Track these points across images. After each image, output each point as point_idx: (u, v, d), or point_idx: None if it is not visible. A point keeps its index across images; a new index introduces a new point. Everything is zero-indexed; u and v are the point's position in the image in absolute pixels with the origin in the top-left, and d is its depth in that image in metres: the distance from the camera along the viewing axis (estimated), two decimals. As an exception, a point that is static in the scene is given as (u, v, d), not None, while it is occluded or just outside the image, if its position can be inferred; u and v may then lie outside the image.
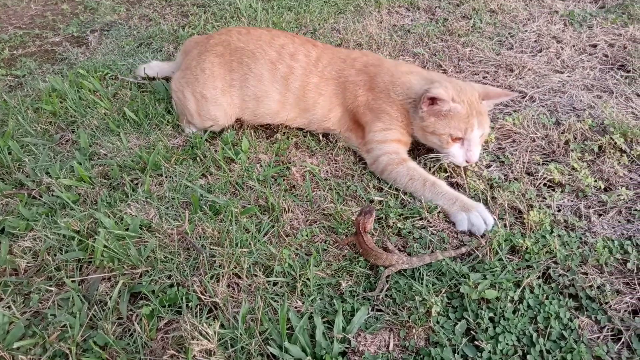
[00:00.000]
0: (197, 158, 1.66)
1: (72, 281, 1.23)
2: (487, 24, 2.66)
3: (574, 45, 2.42)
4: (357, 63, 1.72)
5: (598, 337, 1.06)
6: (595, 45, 2.41)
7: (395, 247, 1.28)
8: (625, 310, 1.11)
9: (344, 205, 1.44)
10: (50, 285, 1.23)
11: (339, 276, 1.21)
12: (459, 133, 1.48)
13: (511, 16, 2.76)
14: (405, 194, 1.48)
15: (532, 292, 1.14)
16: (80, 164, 1.62)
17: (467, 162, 1.52)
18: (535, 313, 1.09)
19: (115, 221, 1.37)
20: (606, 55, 2.32)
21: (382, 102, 1.63)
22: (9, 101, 2.07)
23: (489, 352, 1.02)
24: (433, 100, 1.49)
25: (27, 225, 1.40)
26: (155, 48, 2.59)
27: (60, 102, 2.02)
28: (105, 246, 1.28)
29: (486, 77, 2.18)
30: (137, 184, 1.56)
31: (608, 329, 1.08)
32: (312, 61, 1.72)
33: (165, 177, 1.57)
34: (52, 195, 1.51)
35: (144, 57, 2.43)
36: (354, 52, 1.85)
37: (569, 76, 2.16)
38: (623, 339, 1.05)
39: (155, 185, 1.56)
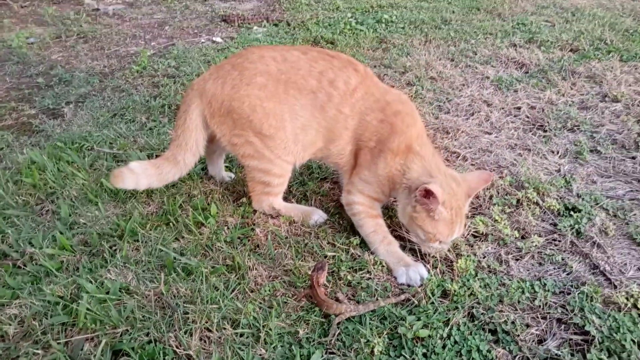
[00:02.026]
0: (170, 223, 1.85)
1: (58, 343, 1.36)
2: (427, 90, 3.03)
3: (502, 108, 2.80)
4: (389, 109, 1.67)
5: (511, 365, 1.29)
6: (519, 108, 2.80)
7: (345, 296, 1.49)
8: (532, 340, 1.35)
9: (302, 261, 1.65)
10: (37, 349, 1.36)
11: (297, 325, 1.40)
12: (442, 238, 1.56)
13: (449, 82, 3.15)
14: (354, 249, 1.71)
15: (458, 329, 1.36)
16: (62, 234, 1.78)
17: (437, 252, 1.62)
18: (460, 347, 1.31)
19: (97, 286, 1.53)
20: (528, 117, 2.70)
21: (383, 161, 1.65)
22: (-11, 175, 2.22)
23: (422, 382, 1.22)
24: (428, 193, 1.49)
25: (13, 293, 1.53)
26: (129, 119, 2.81)
27: (40, 174, 2.19)
28: (88, 309, 1.43)
29: (425, 139, 2.50)
30: (115, 250, 1.73)
31: (518, 357, 1.30)
32: (349, 90, 1.67)
33: (141, 242, 1.75)
34: (36, 264, 1.65)
35: (119, 128, 2.64)
36: (391, 93, 1.76)
37: (496, 137, 2.50)
38: (530, 365, 1.28)
39: (132, 251, 1.73)
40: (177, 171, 1.82)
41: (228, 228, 1.82)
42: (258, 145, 1.71)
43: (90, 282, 1.54)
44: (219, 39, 4.25)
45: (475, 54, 3.58)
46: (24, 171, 2.21)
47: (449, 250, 1.66)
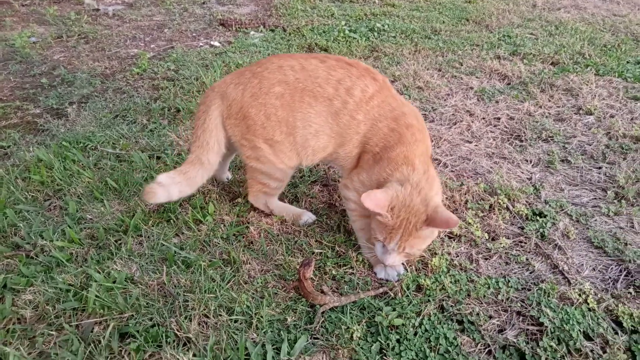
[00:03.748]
0: (171, 220, 2.01)
1: (70, 326, 1.52)
2: (414, 99, 3.20)
3: (483, 118, 2.98)
4: (402, 120, 1.68)
5: (473, 350, 1.46)
6: (499, 118, 2.98)
7: (330, 289, 1.66)
8: (494, 330, 1.52)
9: (291, 256, 1.81)
10: (52, 331, 1.51)
11: (285, 313, 1.57)
12: (380, 237, 1.58)
13: (435, 92, 3.33)
14: (339, 246, 1.87)
15: (429, 319, 1.54)
16: (71, 228, 1.93)
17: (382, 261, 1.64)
18: (430, 334, 1.48)
19: (104, 275, 1.68)
20: (506, 127, 2.88)
21: (379, 167, 1.67)
22: (-1, 171, 2.36)
23: (394, 364, 1.40)
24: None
25: (28, 281, 1.68)
26: (130, 120, 2.95)
27: (47, 172, 2.33)
28: (97, 296, 1.58)
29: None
30: (120, 243, 1.88)
31: (480, 344, 1.48)
32: (365, 98, 1.69)
33: (144, 237, 1.90)
34: (47, 255, 1.80)
35: (120, 129, 2.79)
36: (408, 106, 1.78)
37: (475, 145, 2.68)
38: (490, 351, 1.46)
39: (136, 245, 1.88)
40: (204, 172, 1.87)
41: (224, 225, 1.98)
42: (266, 151, 1.80)
43: (98, 272, 1.70)
44: (217, 43, 4.40)
45: (462, 65, 3.77)
46: (32, 169, 2.35)
47: (426, 250, 1.83)
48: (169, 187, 1.77)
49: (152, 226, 1.97)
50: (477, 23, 4.93)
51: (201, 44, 4.45)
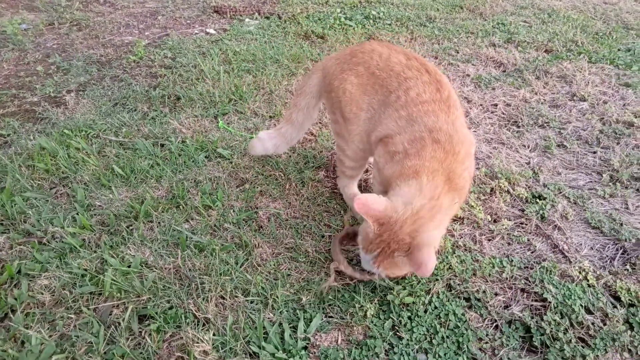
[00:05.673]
0: (180, 206, 2.03)
1: (88, 309, 1.55)
2: (412, 86, 3.24)
3: (480, 105, 3.04)
4: (434, 134, 1.53)
5: (481, 325, 1.53)
6: (496, 105, 3.04)
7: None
8: (500, 306, 1.59)
9: (301, 240, 1.86)
10: (70, 314, 1.54)
11: (300, 293, 1.62)
12: (360, 243, 1.52)
13: (432, 79, 3.37)
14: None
15: (438, 297, 1.60)
16: (81, 214, 1.95)
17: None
18: (439, 311, 1.55)
19: (119, 260, 1.71)
20: (503, 113, 2.94)
21: (394, 169, 1.58)
22: (1, 159, 2.35)
23: (407, 339, 1.46)
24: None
25: (42, 266, 1.70)
26: (131, 108, 2.95)
27: (51, 160, 2.33)
28: (113, 280, 1.61)
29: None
30: (132, 229, 1.90)
31: (488, 319, 1.55)
32: (417, 101, 1.61)
33: (155, 223, 1.93)
34: (60, 241, 1.82)
35: (122, 117, 2.79)
36: (459, 133, 1.56)
37: (474, 131, 2.74)
38: (497, 325, 1.53)
39: (147, 230, 1.91)
40: (293, 130, 2.07)
41: (234, 211, 2.01)
42: (342, 125, 1.86)
43: (113, 257, 1.72)
44: (212, 31, 4.37)
45: (458, 53, 3.81)
46: (36, 157, 2.35)
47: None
48: (265, 141, 2.07)
49: (162, 212, 1.99)
50: (471, 11, 4.97)
51: (196, 31, 4.41)
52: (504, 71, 3.55)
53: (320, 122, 2.70)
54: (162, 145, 2.49)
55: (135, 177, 2.21)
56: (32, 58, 3.75)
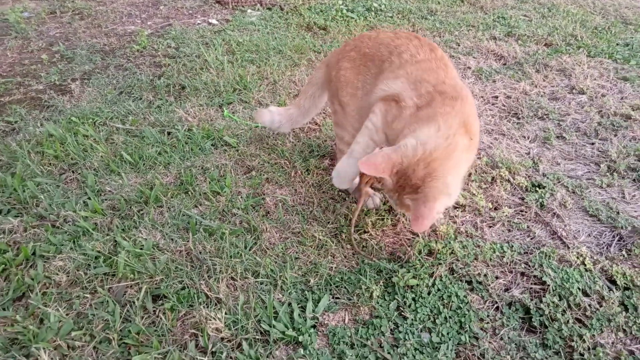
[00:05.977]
0: (189, 192, 2.08)
1: (103, 289, 1.60)
2: (414, 78, 3.28)
3: (481, 97, 3.09)
4: (439, 87, 1.55)
5: (482, 307, 1.59)
6: (496, 97, 3.09)
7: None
8: (500, 289, 1.65)
9: (308, 225, 1.91)
10: (86, 294, 1.59)
11: (308, 275, 1.67)
12: (385, 190, 1.60)
13: (434, 71, 3.41)
14: (353, 214, 1.97)
15: (441, 280, 1.66)
16: (91, 199, 1.99)
17: None
18: (442, 293, 1.61)
19: (131, 243, 1.76)
20: (504, 105, 3.00)
21: (403, 120, 1.58)
22: (10, 145, 2.38)
23: (412, 319, 1.52)
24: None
25: (56, 249, 1.75)
26: (136, 96, 2.98)
27: (60, 146, 2.36)
28: (126, 261, 1.66)
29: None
30: (142, 214, 1.95)
31: (489, 301, 1.61)
32: (413, 60, 1.65)
33: (165, 207, 1.97)
34: (73, 224, 1.86)
35: (128, 105, 2.82)
36: (458, 83, 1.64)
37: (475, 122, 2.79)
38: (498, 307, 1.59)
39: (157, 215, 1.95)
40: (300, 114, 2.23)
41: (241, 197, 2.06)
42: (340, 114, 1.94)
43: (125, 240, 1.77)
44: (214, 21, 4.39)
45: (459, 45, 3.85)
46: (45, 143, 2.38)
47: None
48: (274, 114, 2.23)
49: (171, 198, 2.03)
50: (471, 4, 5.00)
51: (199, 21, 4.43)
52: (505, 64, 3.60)
53: (324, 112, 2.75)
54: (168, 133, 2.53)
55: (144, 164, 2.25)
56: (36, 46, 3.76)
